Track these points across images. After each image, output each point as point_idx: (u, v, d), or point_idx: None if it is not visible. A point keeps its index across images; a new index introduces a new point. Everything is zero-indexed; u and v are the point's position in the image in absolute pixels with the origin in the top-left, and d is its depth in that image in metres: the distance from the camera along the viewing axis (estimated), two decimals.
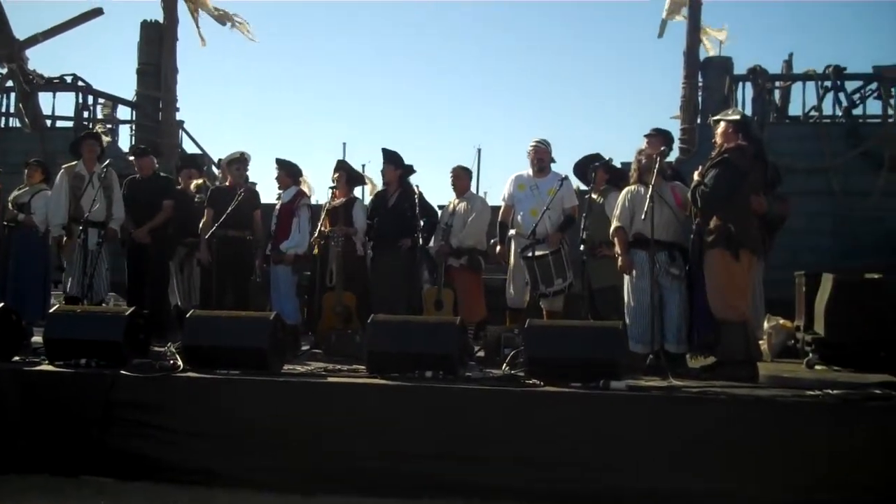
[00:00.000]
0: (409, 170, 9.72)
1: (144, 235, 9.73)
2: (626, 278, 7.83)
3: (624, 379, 6.41)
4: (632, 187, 7.94)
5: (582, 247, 8.50)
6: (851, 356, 8.19)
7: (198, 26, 16.59)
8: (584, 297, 8.64)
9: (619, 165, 9.11)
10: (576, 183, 9.31)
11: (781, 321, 9.39)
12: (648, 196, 7.43)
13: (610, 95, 45.89)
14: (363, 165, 10.10)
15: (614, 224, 7.91)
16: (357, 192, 10.16)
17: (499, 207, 9.56)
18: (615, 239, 7.88)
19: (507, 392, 6.36)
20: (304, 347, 9.00)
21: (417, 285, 9.30)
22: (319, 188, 10.13)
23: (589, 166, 8.84)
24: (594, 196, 8.70)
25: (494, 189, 9.58)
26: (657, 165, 7.66)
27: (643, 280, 7.59)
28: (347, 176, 9.75)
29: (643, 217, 7.51)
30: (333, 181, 9.69)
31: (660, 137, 8.53)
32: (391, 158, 9.63)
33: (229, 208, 9.08)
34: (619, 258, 7.81)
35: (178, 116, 17.11)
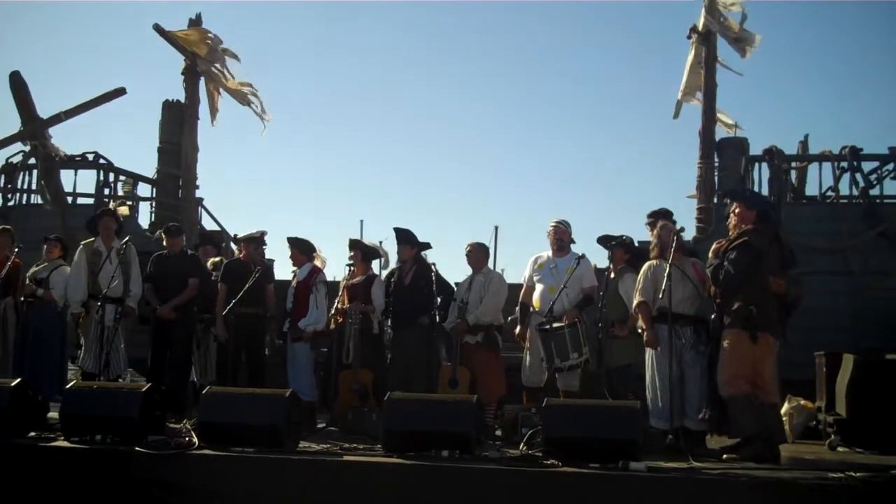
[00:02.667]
0: (425, 246, 9.75)
1: (169, 312, 9.69)
2: (649, 353, 7.81)
3: (643, 460, 6.32)
4: (653, 262, 7.99)
5: (599, 324, 8.48)
6: (874, 438, 8.08)
7: (215, 108, 16.80)
8: (600, 375, 8.58)
9: (636, 244, 9.11)
10: (599, 258, 9.31)
11: (802, 402, 9.29)
12: (666, 273, 7.47)
13: (627, 175, 46.25)
14: (380, 242, 10.13)
15: (637, 299, 7.92)
16: (374, 266, 10.11)
17: (516, 285, 9.53)
18: (639, 313, 7.88)
19: (525, 472, 6.28)
20: (321, 425, 8.93)
21: (436, 363, 9.22)
22: (336, 264, 10.15)
23: (608, 244, 8.84)
24: (611, 276, 8.71)
25: (511, 267, 9.56)
26: (674, 242, 7.70)
27: (665, 355, 7.57)
28: (362, 253, 9.76)
29: (661, 295, 7.52)
30: (350, 259, 9.69)
31: (661, 218, 8.56)
32: (405, 238, 9.62)
33: (246, 286, 9.10)
34: (645, 333, 7.80)
35: (198, 194, 17.26)
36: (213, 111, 16.82)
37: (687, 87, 15.02)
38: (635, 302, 7.97)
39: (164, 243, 10.27)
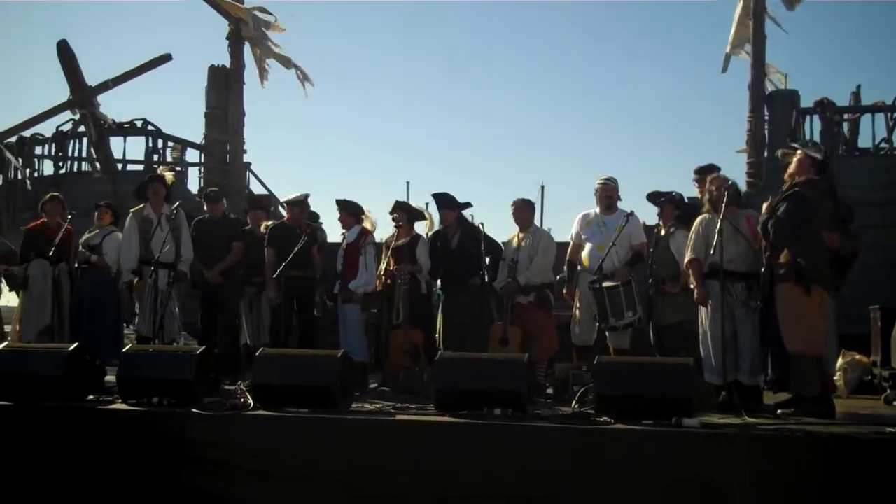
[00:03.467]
0: (466, 206, 9.71)
1: (216, 276, 9.81)
2: (702, 310, 7.74)
3: (696, 416, 6.30)
4: (706, 216, 7.84)
5: (650, 282, 8.42)
6: None
7: (264, 70, 16.87)
8: (650, 333, 8.53)
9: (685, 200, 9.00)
10: (648, 215, 9.22)
11: (857, 356, 9.18)
12: (717, 228, 7.35)
13: (674, 131, 45.82)
14: (426, 204, 10.11)
15: (689, 255, 7.82)
16: (419, 228, 10.10)
17: (564, 243, 9.48)
18: (689, 270, 7.79)
19: (578, 429, 6.29)
20: (373, 385, 8.99)
21: (488, 323, 9.23)
22: (383, 225, 10.17)
23: (658, 200, 8.75)
24: (661, 232, 8.63)
25: (557, 226, 9.44)
26: (725, 196, 7.57)
27: (717, 311, 7.50)
28: (408, 215, 9.79)
29: (712, 251, 7.42)
30: (394, 220, 9.73)
31: (709, 173, 8.45)
32: (445, 202, 9.60)
33: (294, 249, 9.15)
34: (695, 290, 7.73)
35: (246, 158, 17.38)
36: (262, 73, 16.89)
37: (735, 40, 14.79)
38: (686, 258, 7.88)
39: (205, 208, 10.34)
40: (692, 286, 7.79)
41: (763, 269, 7.37)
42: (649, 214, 9.22)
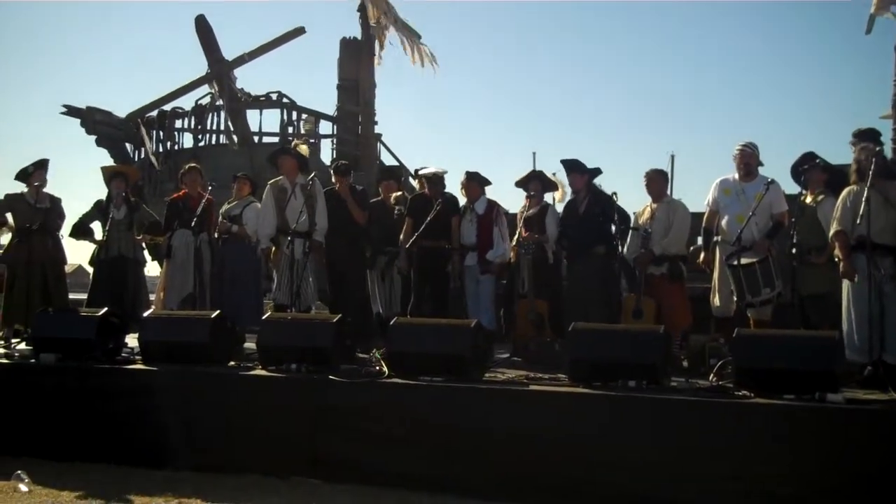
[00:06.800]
0: (595, 172, 9.55)
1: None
2: (846, 284, 7.45)
3: (841, 391, 6.09)
4: (853, 187, 7.51)
5: (794, 251, 8.14)
6: None
7: (381, 45, 16.96)
8: (793, 305, 8.26)
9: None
10: (791, 184, 8.91)
11: None
12: (864, 198, 7.05)
13: (813, 96, 44.36)
14: (553, 174, 10.05)
15: (834, 227, 7.53)
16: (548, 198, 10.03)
17: (697, 214, 9.27)
18: (836, 243, 7.51)
19: (717, 403, 6.16)
20: (504, 355, 8.99)
21: (615, 293, 9.11)
22: (516, 197, 10.17)
23: (801, 167, 8.42)
24: (807, 200, 8.31)
25: (688, 196, 9.23)
26: (873, 165, 7.24)
27: (864, 286, 7.20)
28: (542, 184, 9.74)
29: (858, 221, 7.11)
30: (527, 191, 9.70)
31: (865, 139, 8.09)
32: (574, 167, 9.47)
33: (427, 219, 9.21)
34: (841, 263, 7.45)
35: (377, 130, 17.55)
36: (381, 49, 17.00)
37: (881, 0, 14.15)
38: (832, 230, 7.58)
39: (333, 180, 10.44)
40: (836, 259, 7.51)
41: None
42: (792, 182, 8.89)
